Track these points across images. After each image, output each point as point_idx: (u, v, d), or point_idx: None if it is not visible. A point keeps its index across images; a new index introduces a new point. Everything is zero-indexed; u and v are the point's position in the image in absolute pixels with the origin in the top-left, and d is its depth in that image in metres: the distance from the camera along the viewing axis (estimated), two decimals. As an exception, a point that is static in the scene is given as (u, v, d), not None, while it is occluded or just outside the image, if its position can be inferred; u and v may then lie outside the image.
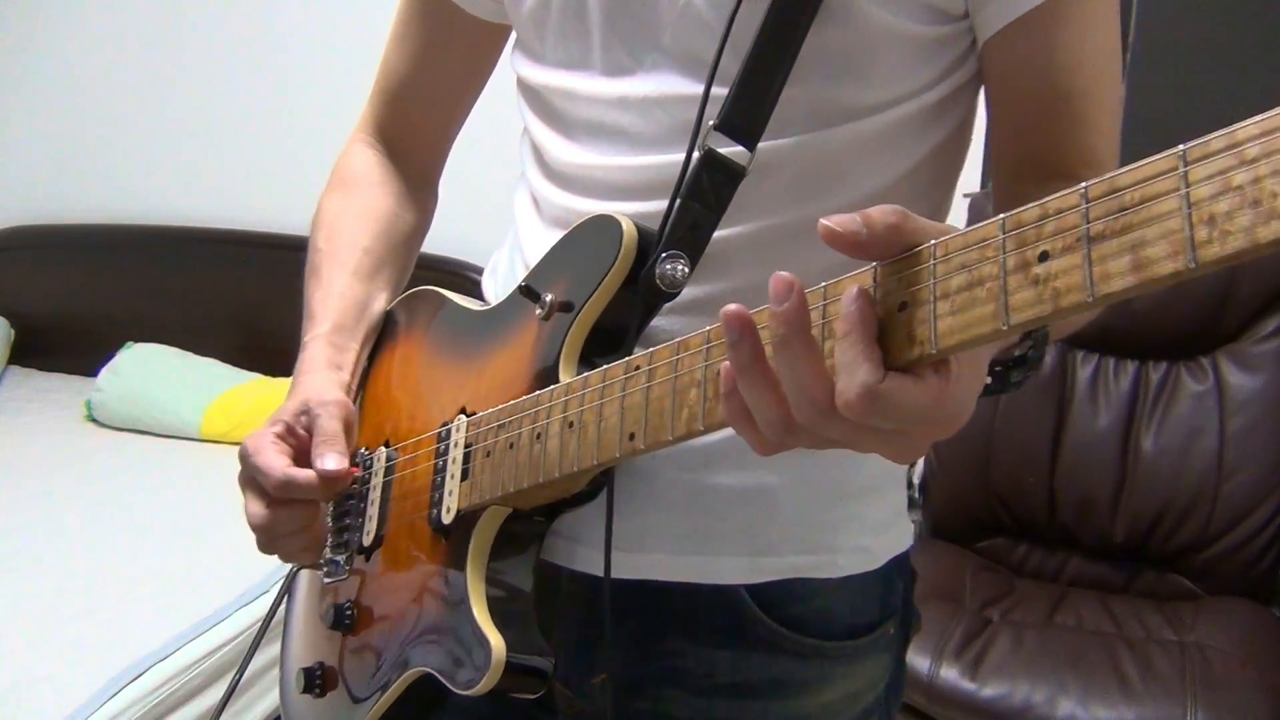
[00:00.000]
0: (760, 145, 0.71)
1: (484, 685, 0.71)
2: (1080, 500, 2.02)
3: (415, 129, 0.98)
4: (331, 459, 0.79)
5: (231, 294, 2.65)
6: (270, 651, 1.75)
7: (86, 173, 2.82)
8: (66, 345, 2.76)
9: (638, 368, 0.63)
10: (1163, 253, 0.39)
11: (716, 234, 0.72)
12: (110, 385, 2.48)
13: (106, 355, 2.55)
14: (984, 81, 0.74)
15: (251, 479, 0.80)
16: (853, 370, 0.47)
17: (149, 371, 2.48)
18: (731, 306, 0.50)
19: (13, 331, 2.78)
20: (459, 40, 0.92)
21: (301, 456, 0.81)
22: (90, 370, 2.55)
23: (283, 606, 0.99)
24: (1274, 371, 1.95)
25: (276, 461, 0.78)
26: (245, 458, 0.80)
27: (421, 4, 0.92)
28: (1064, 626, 1.86)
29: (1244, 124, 0.38)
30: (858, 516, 0.80)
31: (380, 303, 0.93)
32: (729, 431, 0.72)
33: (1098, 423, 2.03)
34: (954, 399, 0.48)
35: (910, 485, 2.11)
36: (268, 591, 1.79)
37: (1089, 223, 0.42)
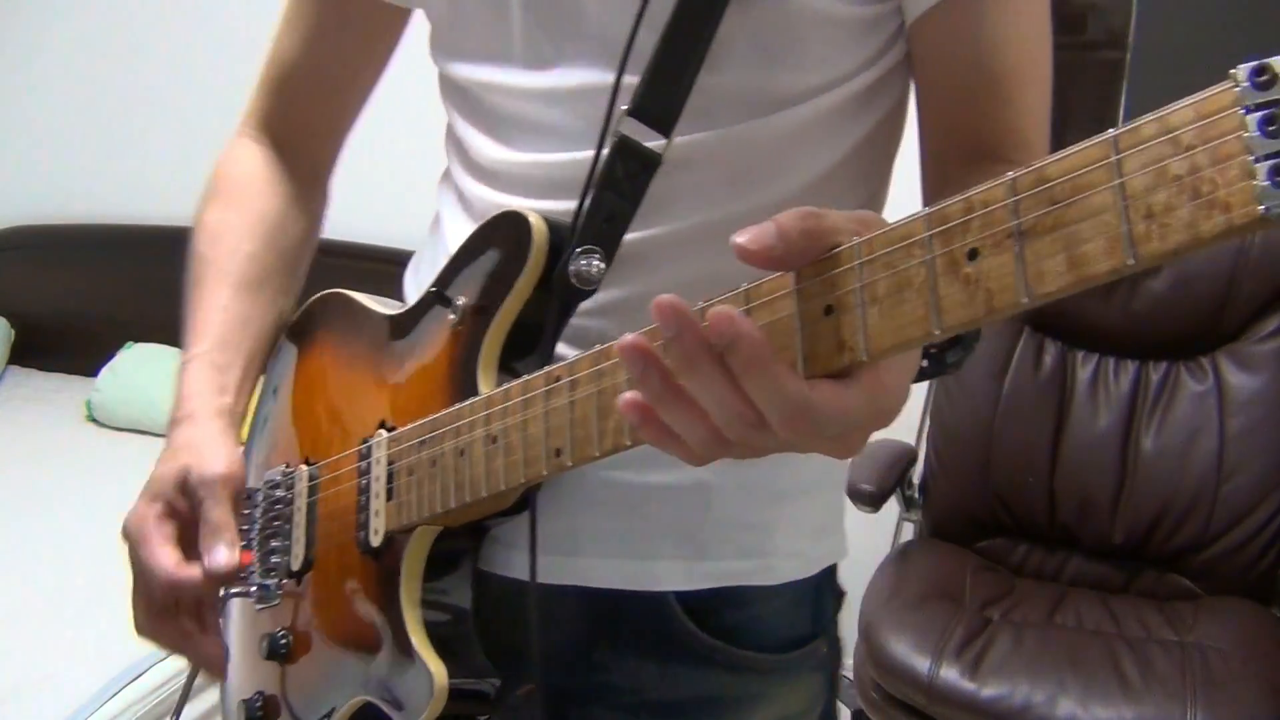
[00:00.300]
0: (685, 138, 0.68)
1: (430, 712, 0.68)
2: (1080, 500, 2.02)
3: (305, 121, 0.91)
4: (220, 553, 0.72)
5: (231, 294, 2.65)
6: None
7: (86, 173, 2.81)
8: (66, 345, 2.76)
9: (558, 379, 0.60)
10: (1100, 249, 0.37)
11: (642, 233, 0.69)
12: (110, 385, 2.48)
13: (106, 355, 2.55)
14: (912, 63, 0.72)
15: (136, 561, 0.75)
16: (775, 393, 0.45)
17: (149, 371, 2.49)
18: (626, 338, 0.48)
19: (13, 331, 2.78)
20: (353, 24, 0.86)
21: (186, 532, 0.75)
22: (90, 370, 2.55)
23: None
24: (1274, 371, 1.95)
25: (164, 560, 0.73)
26: (130, 543, 0.75)
27: None
28: (1064, 626, 1.86)
29: (1175, 106, 0.36)
30: (794, 519, 0.77)
31: (271, 314, 0.86)
32: None
33: (1098, 423, 2.03)
34: (888, 393, 0.47)
35: (910, 485, 2.11)
36: (268, 591, 1.79)
37: (1019, 218, 0.40)
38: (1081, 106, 2.23)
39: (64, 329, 2.81)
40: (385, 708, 0.72)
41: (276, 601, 0.84)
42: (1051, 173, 0.39)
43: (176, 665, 1.60)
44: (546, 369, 0.61)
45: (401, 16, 0.85)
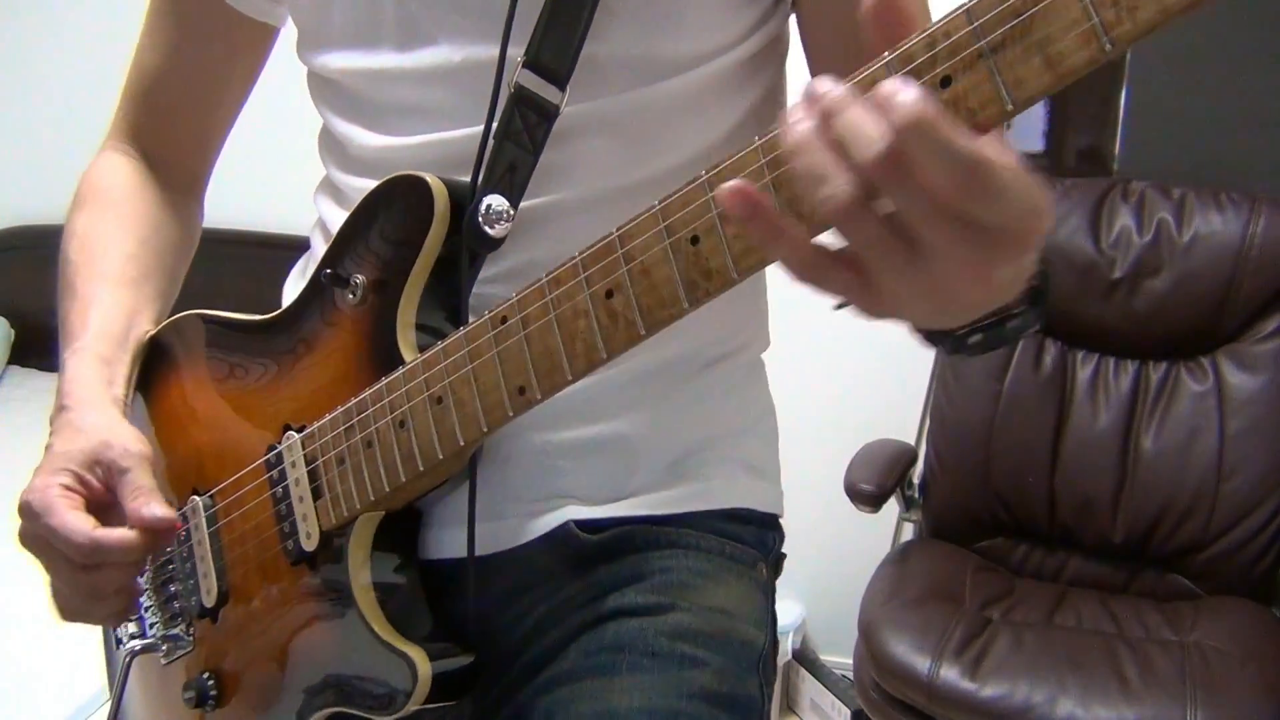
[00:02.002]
0: (578, 106, 0.68)
1: (414, 702, 0.66)
2: (1080, 500, 2.02)
3: (173, 133, 0.89)
4: (156, 507, 0.69)
5: (231, 294, 2.64)
6: None
7: (86, 173, 2.81)
8: (66, 345, 2.76)
9: (505, 320, 0.59)
10: (1074, 44, 0.38)
11: (542, 199, 0.69)
12: (110, 385, 2.48)
13: (106, 355, 2.55)
14: (797, 12, 0.74)
15: (42, 540, 0.70)
16: (949, 150, 0.39)
17: (149, 371, 2.49)
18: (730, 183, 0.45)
19: (13, 331, 2.77)
20: (214, 38, 0.84)
21: (97, 510, 0.71)
22: (90, 370, 2.55)
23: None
24: (1274, 371, 1.95)
25: (78, 523, 0.68)
26: (30, 519, 0.70)
27: None
28: (1064, 626, 1.86)
29: None
30: (730, 457, 0.77)
31: (147, 315, 0.82)
32: (582, 390, 0.64)
33: (1098, 423, 2.03)
34: (1039, 187, 0.42)
35: (910, 485, 2.11)
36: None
37: (984, 38, 0.40)
38: (1081, 107, 2.23)
39: (64, 329, 2.81)
40: (361, 710, 0.68)
41: (188, 649, 0.79)
42: None
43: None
44: (490, 313, 0.60)
45: (266, 32, 0.84)
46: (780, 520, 0.83)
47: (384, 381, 0.66)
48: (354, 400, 0.67)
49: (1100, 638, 1.81)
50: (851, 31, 0.60)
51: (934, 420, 2.13)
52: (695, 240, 0.51)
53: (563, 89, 0.67)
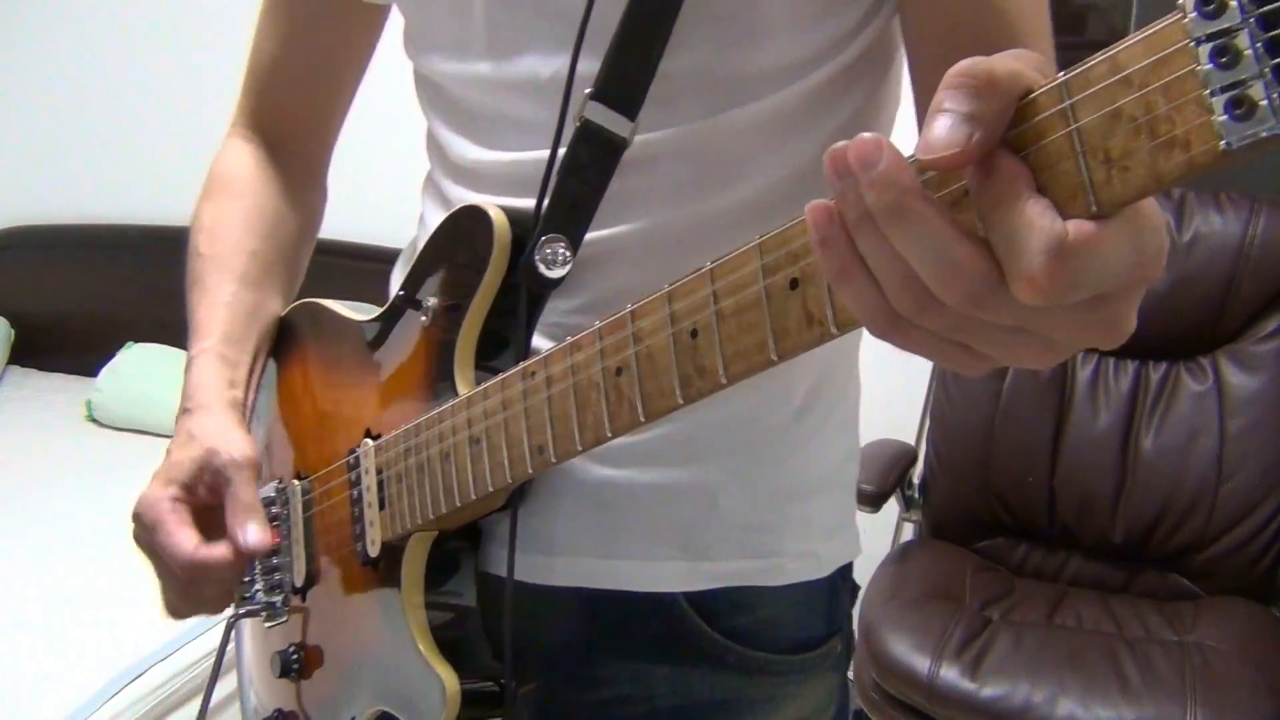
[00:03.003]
0: (648, 135, 0.65)
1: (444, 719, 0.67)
2: (1080, 500, 2.02)
3: (292, 117, 0.90)
4: (253, 530, 0.72)
5: (231, 294, 2.65)
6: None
7: (86, 173, 2.81)
8: (66, 345, 2.77)
9: (533, 374, 0.59)
10: (1061, 198, 0.35)
11: (607, 231, 0.67)
12: (110, 385, 2.48)
13: (106, 355, 2.55)
14: (903, 20, 0.67)
15: (150, 548, 0.74)
16: (1022, 234, 0.35)
17: (149, 371, 2.49)
18: (815, 202, 0.39)
19: (13, 331, 2.78)
20: (328, 21, 0.85)
21: (204, 517, 0.74)
22: (90, 370, 2.55)
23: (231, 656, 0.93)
24: (1274, 371, 1.95)
25: (182, 543, 0.71)
26: (143, 530, 0.74)
27: None
28: (1064, 626, 1.86)
29: (1125, 43, 0.34)
30: (804, 520, 0.75)
31: (272, 308, 0.85)
32: (663, 426, 0.64)
33: (1098, 423, 2.03)
34: (1152, 226, 0.36)
35: (910, 485, 2.11)
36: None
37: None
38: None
39: (64, 329, 2.81)
40: (402, 717, 0.71)
41: (285, 618, 0.83)
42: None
43: (177, 665, 1.60)
44: (521, 365, 0.60)
45: (378, 13, 0.84)
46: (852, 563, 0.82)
47: (437, 410, 0.67)
48: (415, 423, 0.69)
49: (1100, 638, 1.81)
50: (964, 44, 0.54)
51: (934, 420, 2.13)
52: (694, 334, 0.49)
53: (632, 119, 0.64)
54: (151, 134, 2.75)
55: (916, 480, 2.15)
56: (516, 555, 0.72)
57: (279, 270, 0.86)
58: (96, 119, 2.80)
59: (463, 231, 0.70)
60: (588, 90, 0.64)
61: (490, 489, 0.63)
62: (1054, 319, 0.37)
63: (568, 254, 0.66)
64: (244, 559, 0.73)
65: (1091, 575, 2.03)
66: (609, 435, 0.54)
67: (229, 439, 0.75)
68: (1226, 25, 0.31)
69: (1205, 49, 0.31)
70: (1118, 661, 1.72)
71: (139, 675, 1.55)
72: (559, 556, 0.72)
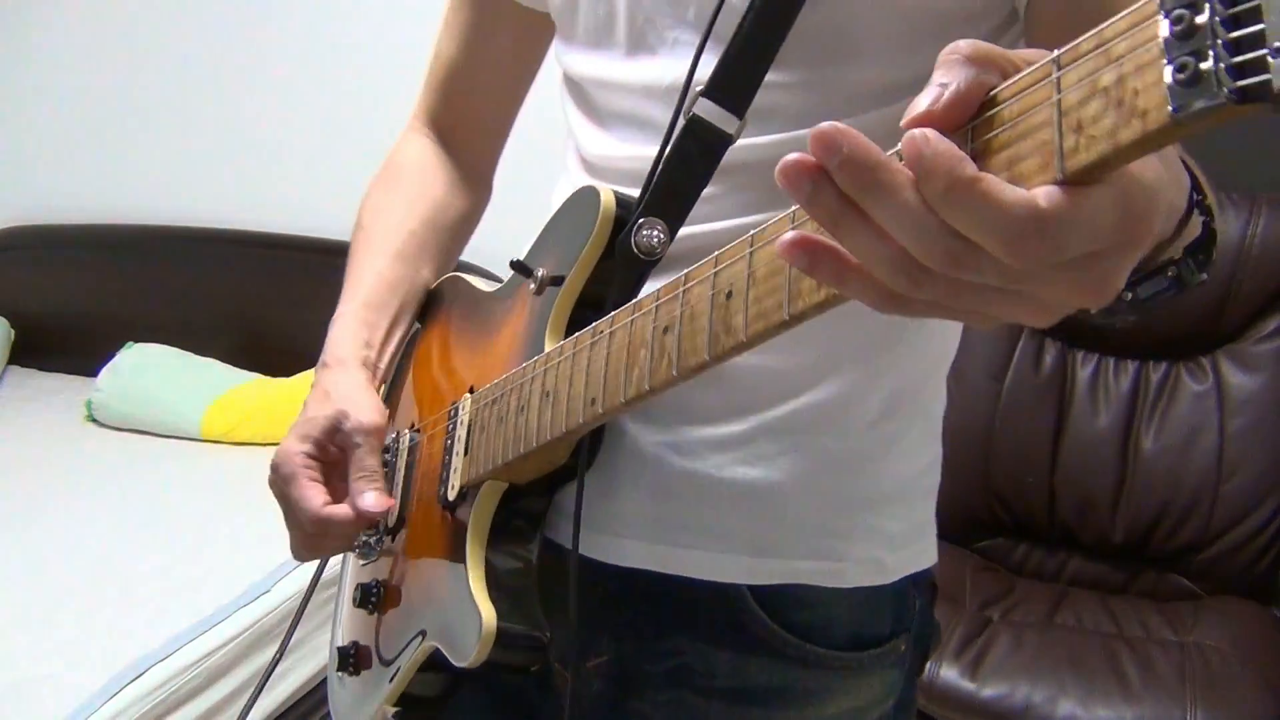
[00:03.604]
0: (759, 139, 0.69)
1: (476, 657, 0.70)
2: (1080, 500, 2.02)
3: (466, 118, 0.98)
4: (370, 496, 0.78)
5: (231, 294, 2.65)
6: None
7: (86, 173, 2.81)
8: (66, 345, 2.76)
9: (601, 332, 0.63)
10: (1035, 166, 0.37)
11: (704, 226, 0.71)
12: (110, 385, 2.48)
13: (106, 355, 2.54)
14: (1030, 42, 0.68)
15: (283, 497, 0.80)
16: (990, 213, 0.36)
17: (149, 371, 2.48)
18: (789, 158, 0.40)
19: (13, 331, 2.77)
20: (503, 27, 0.92)
21: (332, 474, 0.81)
22: (90, 370, 2.55)
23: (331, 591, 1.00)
24: (1274, 371, 1.95)
25: (312, 498, 0.78)
26: (279, 479, 0.80)
27: None
28: (1064, 626, 1.86)
29: (1113, 20, 0.35)
30: (873, 528, 0.77)
31: (420, 283, 0.92)
32: (738, 423, 0.72)
33: (1098, 423, 2.03)
34: (1143, 188, 0.37)
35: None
36: (268, 591, 1.79)
37: (971, 143, 0.39)
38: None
39: (64, 329, 2.80)
40: (444, 650, 0.75)
41: (374, 557, 0.90)
42: (1003, 95, 0.39)
43: (177, 665, 1.60)
44: (595, 324, 0.64)
45: (547, 21, 0.88)
46: (931, 571, 0.83)
47: (522, 366, 0.72)
48: (504, 377, 0.75)
49: (1100, 638, 1.81)
50: None
51: (934, 420, 2.13)
52: (729, 295, 0.53)
53: (740, 117, 0.68)
54: (152, 134, 2.75)
55: (916, 480, 2.14)
56: (590, 535, 0.75)
57: (433, 250, 0.93)
58: (97, 119, 2.80)
59: (576, 209, 0.75)
60: (699, 87, 0.68)
61: (549, 438, 0.67)
62: (1041, 276, 0.37)
63: (664, 237, 0.70)
64: (363, 520, 0.78)
65: (1091, 575, 2.03)
66: (648, 389, 0.58)
67: (359, 402, 0.80)
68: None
69: (1168, 20, 0.33)
70: (1118, 661, 1.72)
71: (139, 675, 1.55)
72: (629, 539, 0.77)
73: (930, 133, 0.37)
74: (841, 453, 0.75)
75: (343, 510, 0.78)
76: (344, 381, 0.82)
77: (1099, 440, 2.02)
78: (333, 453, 0.81)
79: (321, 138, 2.54)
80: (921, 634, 0.83)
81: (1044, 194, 0.35)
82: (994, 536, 2.09)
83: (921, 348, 0.77)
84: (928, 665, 1.71)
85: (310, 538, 0.80)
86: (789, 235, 0.41)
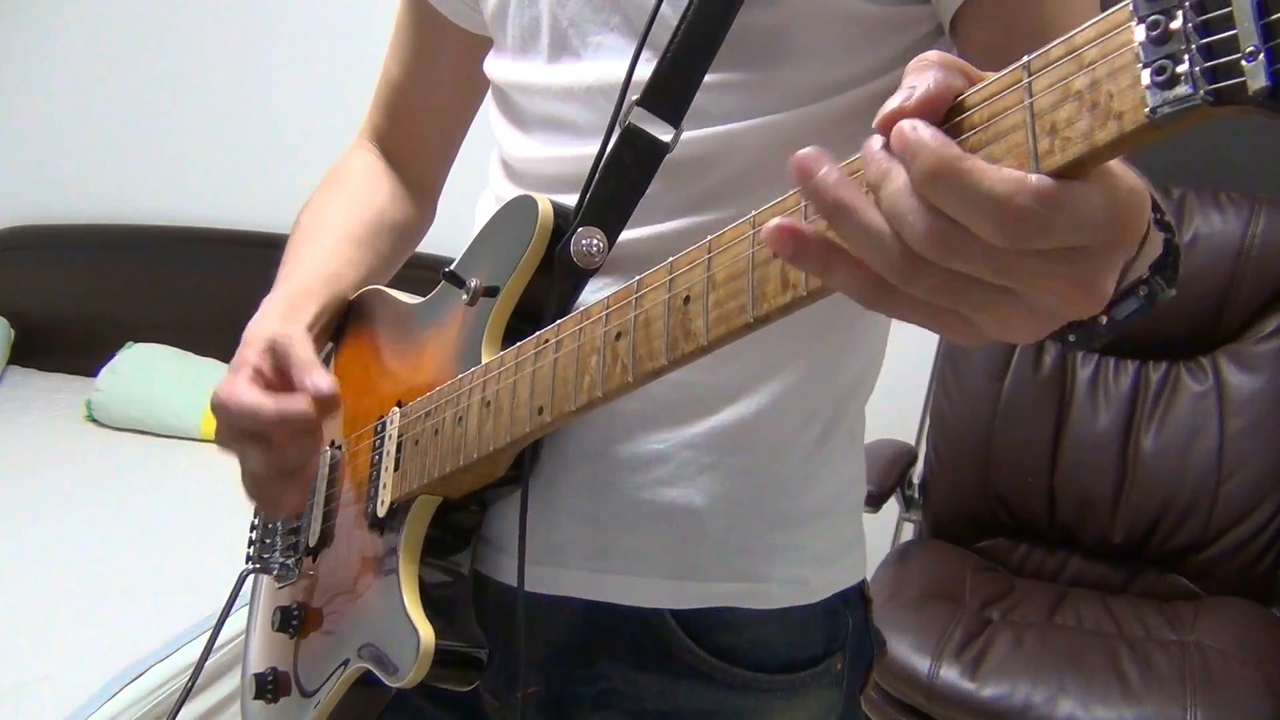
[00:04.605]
0: (691, 135, 0.68)
1: (413, 676, 0.68)
2: (1080, 500, 2.02)
3: (411, 138, 0.97)
4: (321, 378, 0.72)
5: (231, 294, 2.63)
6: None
7: (86, 173, 2.81)
8: (66, 345, 2.76)
9: (546, 341, 0.63)
10: (1010, 167, 0.37)
11: (643, 230, 0.70)
12: (110, 385, 2.48)
13: (106, 355, 2.55)
14: (960, 49, 0.67)
15: (237, 429, 0.73)
16: (978, 194, 0.37)
17: (149, 371, 2.48)
18: (774, 222, 0.41)
19: (13, 331, 2.77)
20: (445, 49, 0.90)
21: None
22: (90, 370, 2.55)
23: (243, 615, 0.96)
24: (1274, 371, 1.95)
25: (264, 399, 0.72)
26: (223, 407, 0.74)
27: (413, 12, 0.91)
28: (1064, 626, 1.86)
29: (1083, 27, 0.36)
30: (798, 546, 0.76)
31: (349, 281, 0.88)
32: (656, 441, 0.71)
33: (1098, 423, 2.03)
34: (1129, 189, 0.38)
35: (910, 485, 2.11)
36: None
37: None
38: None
39: (64, 329, 2.80)
40: (377, 672, 0.73)
41: (294, 579, 0.87)
42: (972, 100, 0.40)
43: (177, 665, 1.60)
44: (537, 333, 0.63)
45: (484, 43, 0.87)
46: (862, 585, 0.82)
47: (459, 377, 0.71)
48: (437, 389, 0.73)
49: (1100, 638, 1.81)
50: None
51: (934, 420, 2.13)
52: (687, 300, 0.53)
53: (676, 126, 0.68)
54: (151, 134, 2.75)
55: (916, 480, 2.15)
56: (511, 561, 0.73)
57: (367, 252, 0.90)
58: (97, 119, 2.80)
59: (511, 218, 0.73)
60: (635, 97, 0.68)
61: (492, 449, 0.66)
62: (1030, 268, 0.38)
63: (602, 246, 0.69)
64: (323, 410, 0.72)
65: (1091, 575, 2.03)
66: (600, 396, 0.57)
67: (286, 325, 0.78)
68: (1166, 5, 0.34)
69: (1143, 26, 0.34)
70: (1118, 661, 1.72)
71: (139, 675, 1.55)
72: (553, 567, 0.74)
73: (916, 120, 0.38)
74: (762, 471, 0.74)
75: (296, 401, 0.71)
76: (267, 325, 0.78)
77: (1099, 440, 2.02)
78: (271, 377, 0.75)
79: (321, 138, 2.53)
80: (860, 650, 0.81)
81: (1032, 175, 0.36)
82: (994, 536, 2.09)
83: (844, 364, 0.76)
84: (928, 665, 1.71)
85: (272, 456, 0.73)
86: (775, 222, 0.41)
